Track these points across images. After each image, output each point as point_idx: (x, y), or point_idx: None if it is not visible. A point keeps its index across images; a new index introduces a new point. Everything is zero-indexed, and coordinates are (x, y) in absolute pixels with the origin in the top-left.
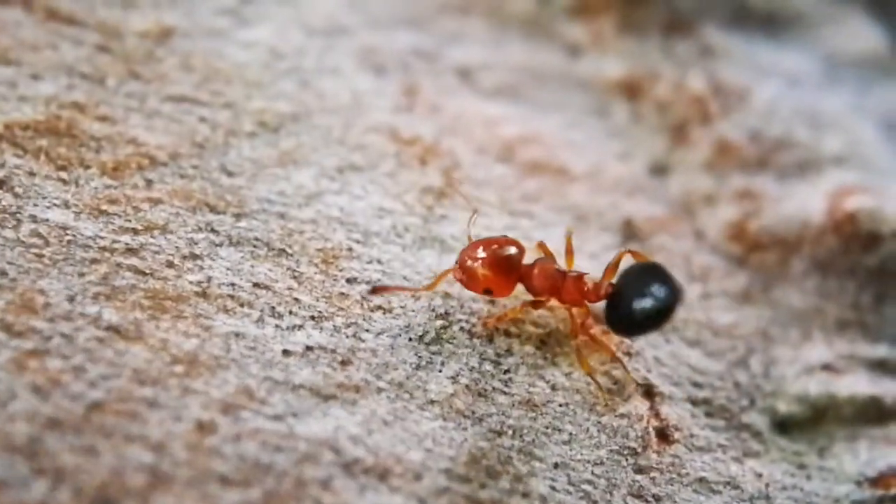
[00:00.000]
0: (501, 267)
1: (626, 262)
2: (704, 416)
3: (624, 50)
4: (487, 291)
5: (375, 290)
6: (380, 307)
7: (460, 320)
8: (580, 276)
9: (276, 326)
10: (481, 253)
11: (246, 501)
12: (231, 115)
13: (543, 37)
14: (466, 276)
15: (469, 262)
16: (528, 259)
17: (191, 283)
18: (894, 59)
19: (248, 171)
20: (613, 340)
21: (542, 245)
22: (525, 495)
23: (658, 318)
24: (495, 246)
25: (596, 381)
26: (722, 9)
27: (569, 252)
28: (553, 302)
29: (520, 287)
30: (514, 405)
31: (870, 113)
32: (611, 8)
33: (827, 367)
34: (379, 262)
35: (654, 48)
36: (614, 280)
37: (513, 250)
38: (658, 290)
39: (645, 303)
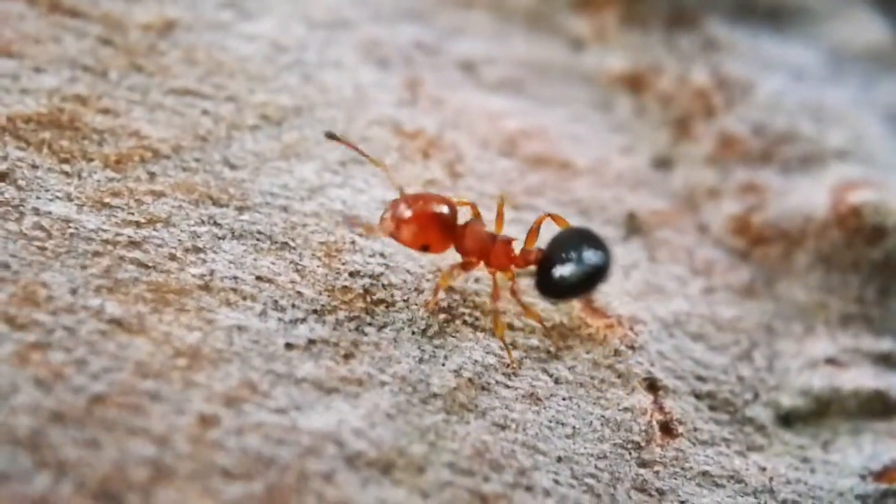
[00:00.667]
0: (437, 224)
1: (548, 226)
2: (708, 410)
3: (627, 43)
4: (422, 248)
5: (350, 221)
6: (383, 301)
7: (463, 314)
8: (509, 241)
9: (279, 320)
10: (413, 207)
11: (248, 495)
12: (234, 109)
13: (546, 30)
14: (399, 230)
15: (403, 217)
16: (461, 220)
17: (193, 276)
18: None
19: (251, 164)
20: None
21: (473, 206)
22: (528, 489)
23: (587, 282)
24: (428, 202)
25: (507, 347)
26: (725, 2)
27: (499, 217)
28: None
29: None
30: (517, 399)
31: (874, 106)
32: (614, 1)
33: (831, 361)
34: (382, 255)
35: (658, 42)
36: (543, 246)
37: (445, 208)
38: (587, 255)
39: (574, 268)
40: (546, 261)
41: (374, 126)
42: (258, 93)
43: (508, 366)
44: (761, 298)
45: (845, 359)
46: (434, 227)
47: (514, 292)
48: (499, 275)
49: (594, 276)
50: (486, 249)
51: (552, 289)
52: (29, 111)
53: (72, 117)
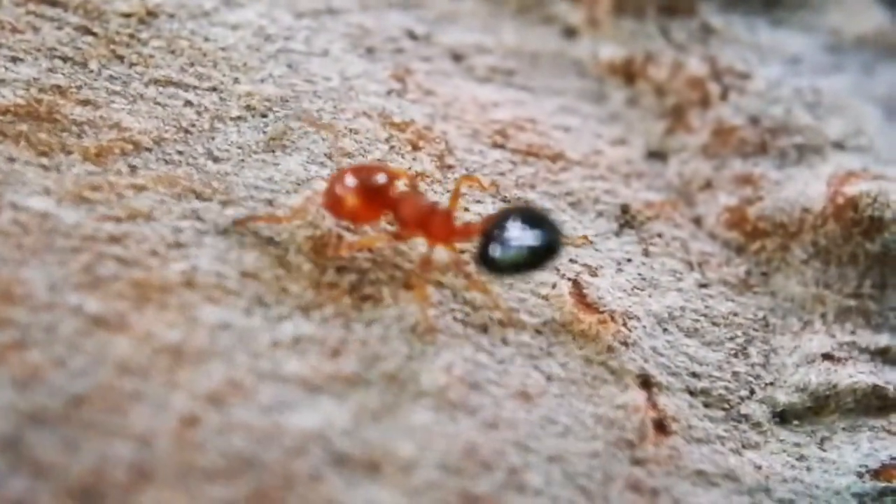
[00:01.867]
0: (368, 194)
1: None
2: (703, 407)
3: (620, 32)
4: (353, 218)
5: (238, 223)
6: (370, 297)
7: (454, 310)
8: (449, 213)
9: (264, 317)
10: (350, 180)
11: (232, 496)
12: (217, 99)
13: (538, 19)
14: (334, 204)
15: (339, 190)
16: (399, 189)
17: (176, 272)
18: None
19: (235, 156)
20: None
21: (412, 177)
22: (520, 489)
23: (530, 261)
24: (365, 173)
25: (424, 311)
26: None
27: (455, 196)
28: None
29: None
30: (508, 397)
31: (873, 96)
32: None
33: (828, 357)
34: (370, 249)
35: (652, 30)
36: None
37: (382, 178)
38: (530, 233)
39: (515, 245)
40: (487, 235)
41: (361, 117)
42: (243, 83)
43: (426, 332)
44: (757, 293)
45: (842, 354)
46: (370, 197)
47: (457, 264)
48: (441, 246)
49: (536, 256)
50: (425, 220)
51: (490, 264)
52: (6, 102)
53: (50, 109)
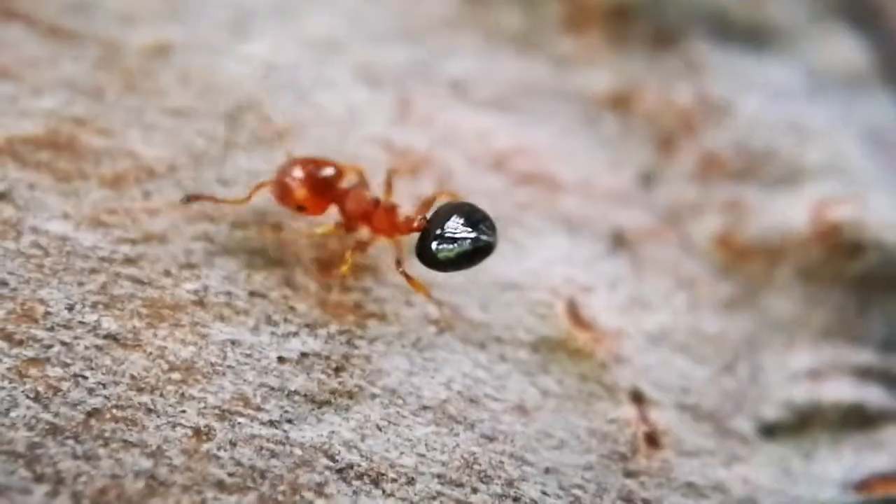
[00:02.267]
0: (317, 186)
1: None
2: (692, 422)
3: (612, 63)
4: (301, 208)
5: (191, 199)
6: (373, 314)
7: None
8: (393, 207)
9: (272, 334)
10: (298, 171)
11: None
12: (227, 128)
13: (534, 51)
14: (282, 192)
15: (286, 179)
16: (345, 184)
17: (188, 291)
18: (877, 72)
19: (244, 181)
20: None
21: (361, 172)
22: (516, 500)
23: (466, 256)
24: (313, 165)
25: (331, 287)
26: (707, 24)
27: (388, 187)
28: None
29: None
30: (505, 411)
31: (852, 125)
32: (599, 23)
33: (812, 374)
34: (373, 270)
35: (642, 62)
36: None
37: (330, 171)
38: (468, 230)
39: (453, 241)
40: (427, 230)
41: (365, 144)
42: (251, 112)
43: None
44: (744, 312)
45: (826, 372)
46: (317, 189)
47: (398, 263)
48: (386, 239)
49: (473, 252)
50: (369, 213)
51: (429, 259)
52: (28, 133)
53: (69, 138)
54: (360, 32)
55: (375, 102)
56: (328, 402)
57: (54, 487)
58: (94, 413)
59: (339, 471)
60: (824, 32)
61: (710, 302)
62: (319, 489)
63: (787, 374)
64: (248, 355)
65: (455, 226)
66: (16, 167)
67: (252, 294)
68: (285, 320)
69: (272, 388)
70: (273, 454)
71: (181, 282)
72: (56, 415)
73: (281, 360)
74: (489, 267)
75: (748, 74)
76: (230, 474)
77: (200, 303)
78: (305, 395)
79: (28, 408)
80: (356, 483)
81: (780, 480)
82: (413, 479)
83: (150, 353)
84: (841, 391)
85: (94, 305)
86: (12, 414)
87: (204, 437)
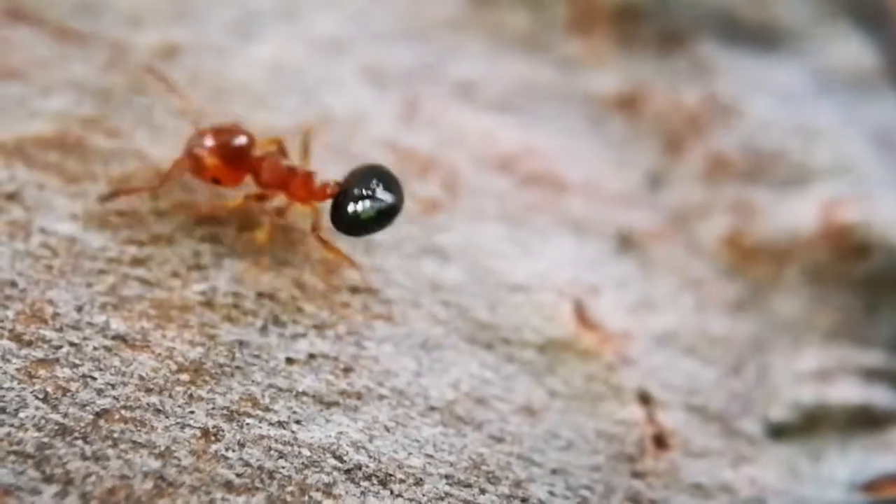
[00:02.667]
0: (230, 156)
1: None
2: (700, 423)
3: (620, 65)
4: (215, 181)
5: (107, 197)
6: (381, 315)
7: (459, 329)
8: (309, 174)
9: (280, 335)
10: (209, 141)
11: None
12: None
13: (541, 52)
14: (194, 165)
15: (197, 150)
16: (258, 152)
17: (196, 292)
18: (884, 73)
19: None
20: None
21: (276, 140)
22: (524, 500)
23: (378, 220)
24: (225, 135)
25: (258, 255)
26: (714, 25)
27: (304, 151)
28: (281, 199)
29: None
30: (513, 412)
31: (860, 126)
32: (606, 24)
33: (820, 375)
34: (381, 271)
35: (649, 63)
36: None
37: (243, 140)
38: (381, 192)
39: (367, 203)
40: (341, 195)
41: (372, 145)
42: (259, 113)
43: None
44: (751, 313)
45: (833, 372)
46: (230, 158)
47: (314, 228)
48: (302, 205)
49: (385, 214)
50: (285, 181)
51: (345, 223)
52: (37, 133)
53: (78, 139)
54: (367, 33)
55: (382, 103)
56: (336, 403)
57: (63, 488)
58: (102, 414)
59: (348, 471)
60: (832, 33)
61: (717, 303)
62: (328, 490)
63: (795, 374)
64: (257, 356)
65: (366, 189)
66: (25, 168)
67: (260, 295)
68: (293, 321)
69: (280, 389)
70: (281, 455)
71: (189, 283)
72: (65, 415)
73: (289, 360)
74: (496, 268)
75: (756, 75)
76: (238, 475)
77: (208, 304)
78: (314, 396)
79: (37, 408)
80: (364, 484)
81: (787, 481)
82: (421, 479)
83: (159, 354)
84: (848, 392)
85: (103, 306)
86: (21, 414)
87: (212, 438)
